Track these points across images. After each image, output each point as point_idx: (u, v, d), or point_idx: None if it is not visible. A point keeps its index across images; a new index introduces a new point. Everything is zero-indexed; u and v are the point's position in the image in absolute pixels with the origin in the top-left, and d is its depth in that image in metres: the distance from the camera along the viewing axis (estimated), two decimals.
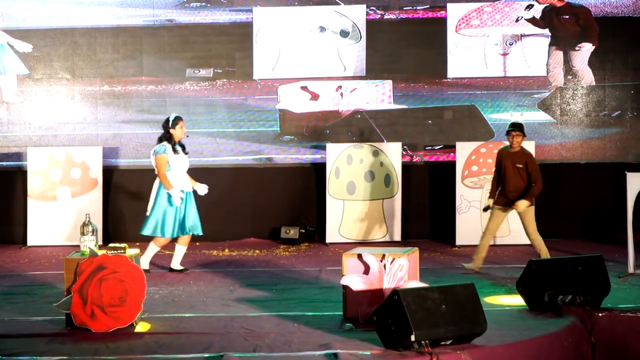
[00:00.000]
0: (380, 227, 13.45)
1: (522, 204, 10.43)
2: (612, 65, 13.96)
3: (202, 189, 10.97)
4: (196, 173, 13.80)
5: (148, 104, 13.91)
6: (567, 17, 13.85)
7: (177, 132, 10.70)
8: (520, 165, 10.51)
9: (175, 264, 11.02)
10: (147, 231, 10.74)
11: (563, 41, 13.92)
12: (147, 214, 10.80)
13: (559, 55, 13.88)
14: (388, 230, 13.46)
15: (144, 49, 13.88)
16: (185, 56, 13.91)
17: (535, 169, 10.54)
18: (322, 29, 13.90)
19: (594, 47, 13.85)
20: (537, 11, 13.86)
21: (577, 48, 13.85)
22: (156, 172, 10.71)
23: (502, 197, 10.63)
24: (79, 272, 7.86)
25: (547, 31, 13.91)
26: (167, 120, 10.73)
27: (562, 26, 13.89)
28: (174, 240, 10.93)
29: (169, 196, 10.64)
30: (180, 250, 10.98)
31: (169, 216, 10.68)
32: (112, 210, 13.68)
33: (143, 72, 13.89)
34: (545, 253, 10.54)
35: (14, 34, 13.76)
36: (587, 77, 13.89)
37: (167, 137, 10.69)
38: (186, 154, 10.88)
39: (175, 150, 10.71)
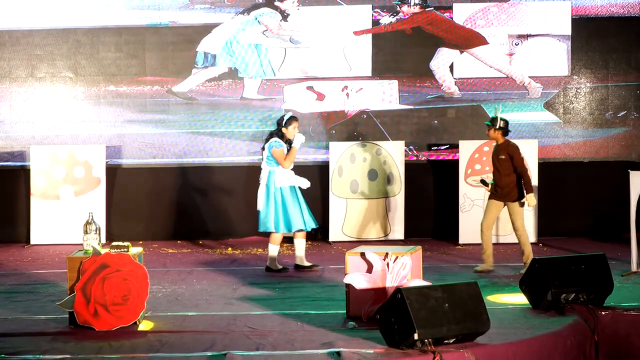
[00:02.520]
0: (383, 226, 13.46)
1: (532, 200, 10.54)
2: (616, 64, 13.95)
3: (304, 183, 11.04)
4: (200, 172, 13.88)
5: (151, 103, 13.91)
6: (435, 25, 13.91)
7: (289, 132, 10.86)
8: (503, 157, 10.62)
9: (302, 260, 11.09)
10: (281, 229, 10.86)
11: (451, 44, 13.94)
12: (260, 209, 10.90)
13: (446, 57, 13.87)
14: (391, 229, 13.46)
15: (147, 48, 13.88)
16: (189, 55, 13.90)
17: (518, 162, 10.59)
18: (328, 29, 13.90)
19: (487, 46, 13.88)
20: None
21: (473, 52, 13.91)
22: (277, 165, 10.86)
23: (494, 190, 10.71)
24: (82, 270, 7.87)
25: (553, 31, 13.90)
26: (282, 118, 10.96)
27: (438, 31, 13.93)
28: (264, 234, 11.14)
29: (282, 191, 10.83)
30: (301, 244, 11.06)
31: (287, 211, 10.83)
32: (115, 208, 13.68)
33: (146, 71, 13.90)
34: (529, 251, 10.60)
35: (17, 34, 13.77)
36: (508, 74, 13.89)
37: (279, 134, 10.88)
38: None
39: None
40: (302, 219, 10.86)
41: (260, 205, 10.89)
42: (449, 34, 13.83)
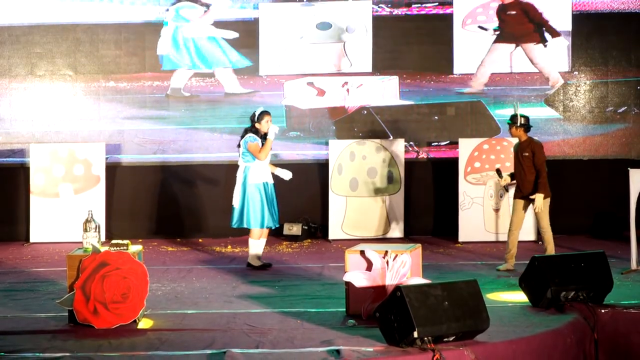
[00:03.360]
0: (382, 224, 13.45)
1: (538, 199, 10.43)
2: (615, 61, 13.93)
3: (286, 174, 11.19)
4: (201, 169, 13.87)
5: (151, 100, 13.90)
6: (514, 12, 13.84)
7: (262, 126, 10.93)
8: (526, 154, 10.53)
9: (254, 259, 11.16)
10: (254, 224, 10.92)
11: (512, 38, 13.89)
12: (236, 206, 10.95)
13: (499, 54, 13.85)
14: (391, 227, 13.46)
15: (146, 46, 13.86)
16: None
17: (539, 159, 10.52)
18: (329, 24, 13.89)
19: (548, 42, 13.84)
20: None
21: (534, 45, 13.86)
22: (253, 160, 10.94)
23: (517, 189, 10.68)
24: (81, 268, 7.87)
25: (554, 27, 13.90)
26: (254, 114, 11.02)
27: (511, 23, 13.86)
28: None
29: (257, 188, 10.92)
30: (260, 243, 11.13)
31: (264, 207, 10.90)
32: (115, 206, 13.67)
33: (146, 68, 13.88)
34: (551, 249, 10.54)
35: (16, 32, 13.76)
36: (546, 73, 13.86)
37: (253, 130, 10.94)
38: None
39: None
40: (264, 217, 10.91)
41: (236, 201, 10.94)
42: (529, 25, 13.80)
